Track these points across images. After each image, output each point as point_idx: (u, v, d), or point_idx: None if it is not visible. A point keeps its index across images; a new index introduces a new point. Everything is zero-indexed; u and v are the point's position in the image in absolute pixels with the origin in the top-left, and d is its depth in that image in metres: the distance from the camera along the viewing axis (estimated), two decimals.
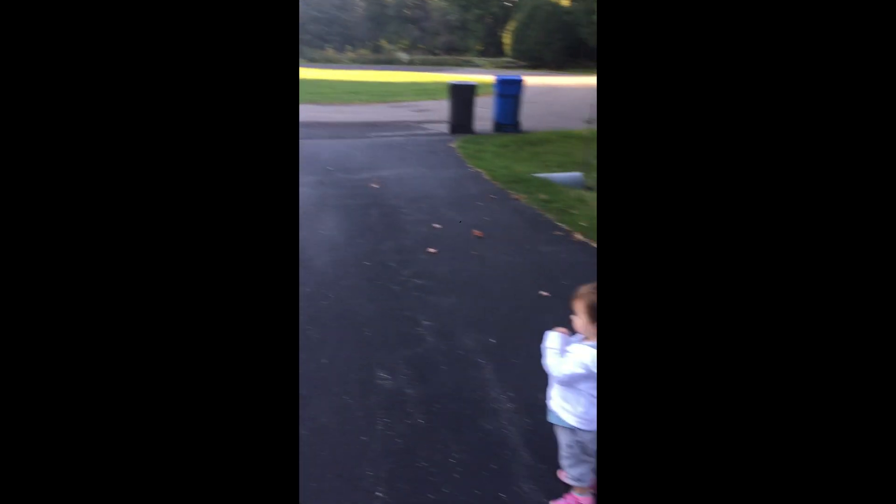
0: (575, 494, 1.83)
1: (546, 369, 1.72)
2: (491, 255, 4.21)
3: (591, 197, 6.03)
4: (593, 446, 1.74)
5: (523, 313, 3.29)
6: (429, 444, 2.18)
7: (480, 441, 2.20)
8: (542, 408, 2.40)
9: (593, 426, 1.69)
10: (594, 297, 1.58)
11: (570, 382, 1.66)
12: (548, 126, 11.10)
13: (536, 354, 2.90)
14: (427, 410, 2.39)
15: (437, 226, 4.87)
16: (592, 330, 1.62)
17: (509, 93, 10.08)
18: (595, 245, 4.48)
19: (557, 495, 1.91)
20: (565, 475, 1.90)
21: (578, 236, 4.66)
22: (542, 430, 2.26)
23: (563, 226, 4.96)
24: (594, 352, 1.58)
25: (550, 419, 1.80)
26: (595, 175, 4.80)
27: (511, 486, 1.97)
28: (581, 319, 1.64)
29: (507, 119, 10.28)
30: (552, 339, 1.76)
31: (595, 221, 4.95)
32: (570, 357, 1.64)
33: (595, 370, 1.57)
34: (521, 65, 34.15)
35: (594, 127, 6.12)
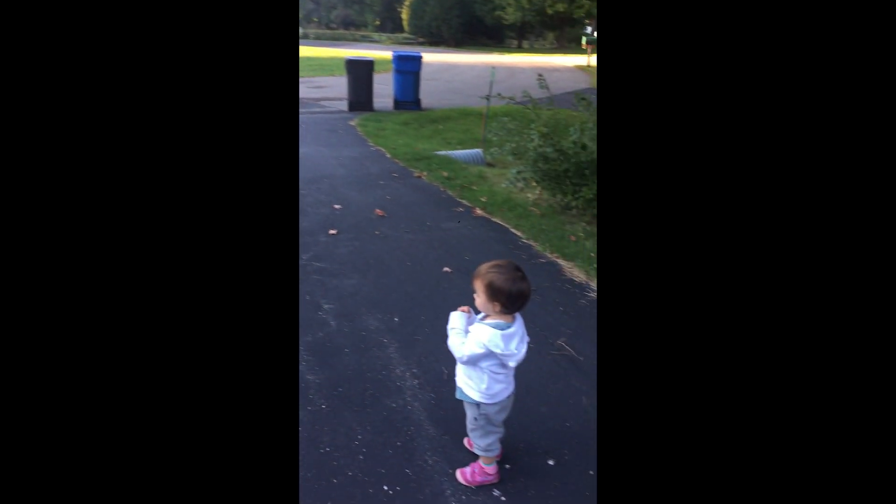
0: (481, 463, 1.88)
1: (451, 349, 1.73)
2: (393, 234, 4.18)
3: (492, 173, 6.16)
4: (499, 417, 1.79)
5: (427, 291, 3.31)
6: (332, 428, 2.14)
7: (384, 420, 2.20)
8: (446, 382, 2.44)
9: (496, 399, 1.73)
10: (492, 276, 1.60)
11: (472, 362, 1.69)
12: (448, 103, 11.15)
13: (441, 330, 2.93)
14: (329, 395, 2.33)
15: (338, 206, 4.74)
16: (491, 308, 1.64)
17: (408, 69, 9.96)
18: (496, 220, 4.59)
19: (463, 465, 1.96)
20: (472, 444, 1.94)
21: (479, 212, 4.75)
22: (447, 404, 2.30)
23: (465, 202, 5.03)
24: (493, 331, 1.61)
25: (458, 395, 1.82)
26: (492, 150, 4.91)
27: (416, 461, 1.99)
28: (480, 298, 1.65)
29: (407, 96, 10.18)
30: (454, 320, 1.76)
31: (496, 197, 5.06)
32: (470, 338, 1.66)
33: (494, 349, 1.60)
34: (420, 41, 33.88)
35: (490, 104, 6.26)
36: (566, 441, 2.12)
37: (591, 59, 22.62)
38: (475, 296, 1.67)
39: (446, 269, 3.59)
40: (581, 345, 2.77)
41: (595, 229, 4.35)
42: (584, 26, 31.79)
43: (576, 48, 33.88)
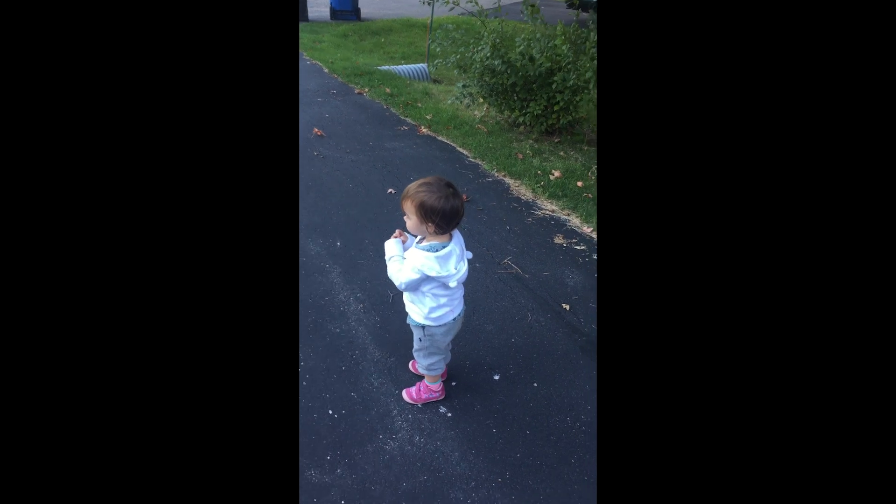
0: (426, 382, 1.88)
1: (391, 278, 1.64)
2: (333, 155, 3.95)
3: (437, 89, 5.88)
4: (444, 340, 1.75)
5: (371, 213, 3.18)
6: None
7: (329, 345, 2.14)
8: (392, 305, 2.40)
9: (441, 321, 1.69)
10: (422, 196, 1.48)
11: (411, 288, 1.62)
12: (390, 13, 10.42)
13: (382, 253, 2.85)
14: None
15: None
16: (425, 229, 1.53)
17: None
18: (442, 139, 4.42)
19: (409, 385, 1.95)
20: (416, 365, 1.92)
21: (425, 130, 4.55)
22: (392, 326, 2.26)
23: (409, 120, 4.80)
24: (426, 254, 1.53)
25: (407, 320, 1.76)
26: (436, 62, 4.63)
27: (362, 384, 1.97)
28: (411, 220, 1.53)
29: (345, 5, 9.42)
30: (390, 249, 1.67)
31: (441, 114, 4.85)
32: (406, 264, 1.58)
33: (430, 272, 1.52)
34: None
35: (433, 10, 5.82)
36: (511, 356, 2.14)
37: None
38: (406, 218, 1.57)
39: (391, 190, 3.46)
40: (526, 262, 2.76)
41: (543, 147, 4.27)
42: None
43: None
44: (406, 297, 1.71)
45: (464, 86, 4.52)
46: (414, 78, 6.52)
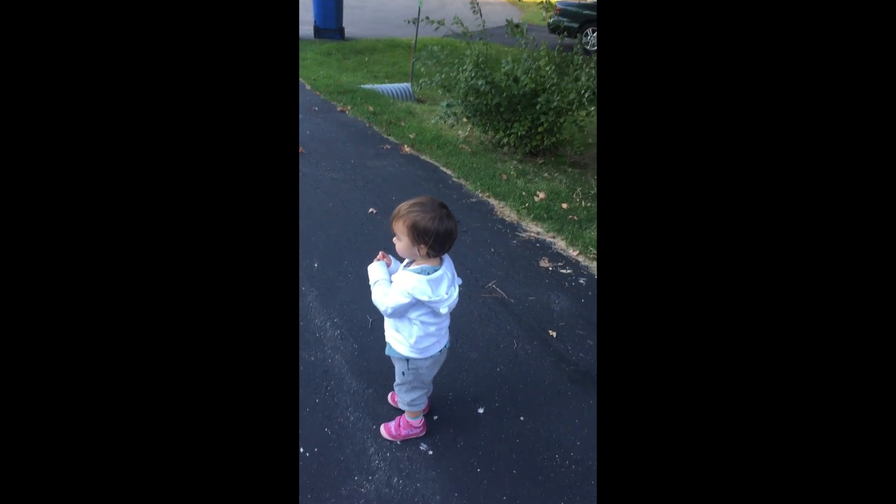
0: (406, 417, 1.75)
1: (376, 304, 1.53)
2: (314, 173, 3.84)
3: (421, 109, 5.84)
4: (429, 374, 1.64)
5: (350, 233, 3.07)
6: None
7: (302, 375, 2.00)
8: (371, 331, 2.27)
9: (428, 353, 1.57)
10: (415, 216, 1.38)
11: (398, 314, 1.50)
12: (374, 33, 10.43)
13: (364, 275, 2.73)
14: None
15: None
16: (416, 251, 1.42)
17: None
18: (425, 158, 4.35)
19: (388, 419, 1.82)
20: (397, 399, 1.80)
21: (407, 149, 4.47)
22: (371, 354, 2.13)
23: (392, 139, 4.72)
24: (418, 276, 1.42)
25: (386, 352, 1.63)
26: (421, 81, 4.58)
27: (336, 418, 1.83)
28: (402, 241, 1.42)
29: (329, 23, 9.40)
30: (374, 273, 1.55)
31: (425, 134, 4.79)
32: (394, 287, 1.46)
33: (421, 296, 1.41)
34: None
35: (418, 29, 5.78)
36: (496, 387, 2.03)
37: None
38: (395, 240, 1.46)
39: (371, 210, 3.35)
40: (512, 287, 2.67)
41: (527, 167, 4.22)
42: None
43: None
44: (389, 326, 1.58)
45: (448, 105, 4.46)
46: (397, 97, 6.47)
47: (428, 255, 1.44)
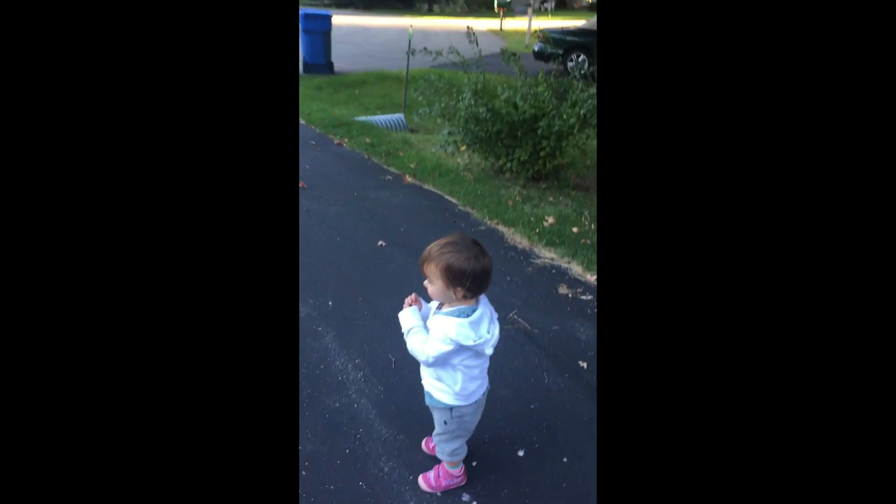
0: (447, 468, 1.64)
1: (413, 354, 1.43)
2: (318, 208, 3.77)
3: (416, 139, 5.82)
4: (473, 420, 1.53)
5: (362, 269, 2.97)
6: None
7: (328, 423, 1.89)
8: (396, 371, 2.16)
9: (472, 399, 1.47)
10: (448, 258, 1.30)
11: (441, 362, 1.40)
12: (362, 67, 10.53)
13: (382, 311, 2.64)
14: None
15: None
16: (452, 294, 1.33)
17: (317, 29, 9.23)
18: (428, 187, 4.30)
19: (424, 468, 1.71)
20: (433, 447, 1.69)
21: (409, 179, 4.42)
22: (397, 397, 2.03)
23: (392, 169, 4.67)
24: (458, 320, 1.33)
25: (427, 402, 1.53)
26: (421, 111, 4.57)
27: (370, 470, 1.71)
28: (435, 285, 1.34)
29: (318, 58, 9.47)
30: (407, 320, 1.45)
31: (425, 163, 4.75)
32: (432, 334, 1.37)
33: (465, 341, 1.32)
34: (326, 3, 32.09)
35: (410, 61, 5.79)
36: (533, 426, 1.93)
37: (505, 23, 22.45)
38: (427, 283, 1.37)
39: (381, 242, 3.27)
40: (533, 316, 2.58)
41: (531, 193, 4.18)
42: None
43: (486, 12, 33.58)
44: (429, 375, 1.48)
45: (449, 133, 4.43)
46: (391, 128, 6.47)
47: (464, 297, 1.35)
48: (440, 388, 1.45)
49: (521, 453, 1.81)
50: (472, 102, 4.13)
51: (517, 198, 4.03)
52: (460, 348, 1.34)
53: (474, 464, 1.75)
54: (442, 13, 38.01)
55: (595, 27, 10.35)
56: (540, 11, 27.93)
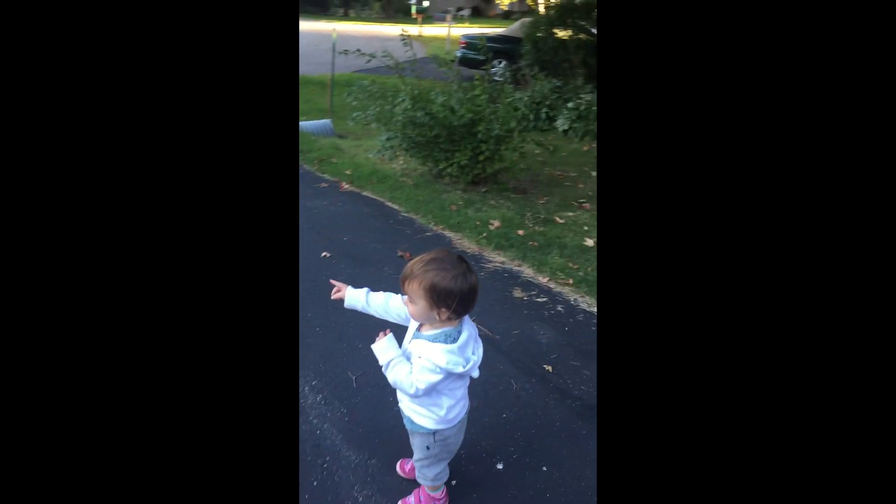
0: (427, 492, 1.53)
1: (396, 387, 1.31)
2: None
3: (347, 144, 5.65)
4: (457, 440, 1.44)
5: (307, 282, 2.79)
6: None
7: None
8: (358, 390, 2.03)
9: (457, 419, 1.38)
10: (433, 277, 1.19)
11: (431, 391, 1.29)
12: None
13: (335, 326, 2.48)
14: None
15: None
16: (436, 315, 1.22)
17: None
18: (367, 194, 4.15)
19: (402, 493, 1.59)
20: (409, 469, 1.58)
21: (347, 186, 4.26)
22: (361, 416, 1.89)
23: (327, 176, 4.49)
24: (445, 347, 1.23)
25: (408, 426, 1.41)
26: (355, 115, 4.41)
27: (344, 502, 1.57)
28: (418, 305, 1.22)
29: None
30: (384, 352, 1.30)
31: (361, 169, 4.60)
32: (417, 364, 1.25)
33: (456, 368, 1.22)
34: None
35: (335, 64, 5.60)
36: (509, 437, 1.87)
37: (423, 29, 22.58)
38: (407, 302, 1.27)
39: (325, 254, 3.10)
40: (492, 321, 2.53)
41: (472, 197, 4.16)
42: None
43: (403, 18, 33.67)
44: (408, 400, 1.37)
45: (388, 138, 4.32)
46: (319, 134, 6.24)
47: (449, 319, 1.25)
48: (422, 413, 1.35)
49: (500, 466, 1.74)
50: (410, 106, 4.04)
51: (459, 202, 3.99)
52: (448, 376, 1.24)
53: (454, 482, 1.66)
54: (358, 18, 37.65)
55: (515, 34, 10.59)
56: (456, 18, 28.39)
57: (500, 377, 2.17)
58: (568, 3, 8.07)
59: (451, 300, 1.20)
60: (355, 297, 1.43)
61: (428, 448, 1.40)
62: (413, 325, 1.36)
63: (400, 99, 4.12)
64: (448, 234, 3.51)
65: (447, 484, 1.63)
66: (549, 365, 2.25)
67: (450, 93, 4.29)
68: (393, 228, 3.54)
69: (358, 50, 4.09)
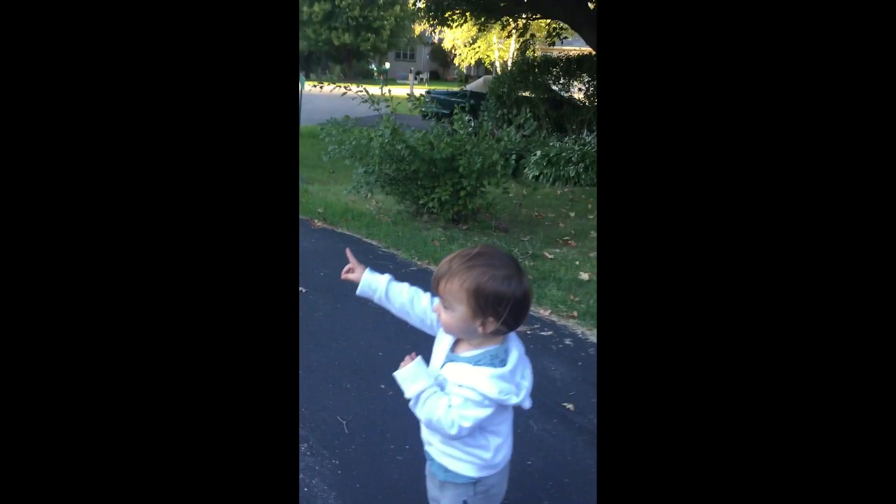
0: None
1: (429, 427, 1.01)
2: None
3: (315, 189, 5.41)
4: (501, 486, 1.12)
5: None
6: None
7: None
8: (349, 436, 1.69)
9: (502, 464, 1.07)
10: (479, 277, 0.93)
11: (475, 430, 0.99)
12: None
13: (316, 366, 2.13)
14: None
15: None
16: (476, 327, 0.95)
17: None
18: (342, 231, 3.88)
19: None
20: None
21: (319, 223, 3.98)
22: (357, 468, 1.55)
23: (300, 216, 4.19)
24: (494, 371, 0.95)
25: (442, 477, 1.09)
26: (330, 150, 4.20)
27: None
28: (456, 312, 0.96)
29: None
30: (412, 379, 0.99)
31: (332, 207, 4.35)
32: (461, 394, 0.95)
33: (508, 398, 0.95)
34: None
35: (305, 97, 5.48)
36: (538, 485, 1.56)
37: (385, 89, 23.16)
38: (439, 308, 1.00)
39: (302, 289, 2.78)
40: None
41: (454, 234, 3.95)
42: (368, 60, 32.65)
43: (363, 81, 34.70)
44: (440, 441, 1.05)
45: (365, 172, 4.10)
46: None
47: (493, 334, 0.98)
48: (461, 458, 1.03)
49: None
50: (390, 139, 3.87)
51: (442, 238, 3.77)
52: (497, 408, 0.96)
53: None
54: (318, 81, 38.55)
55: (480, 89, 10.87)
56: (416, 81, 29.40)
57: (517, 418, 1.85)
58: (526, 63, 8.46)
59: (502, 307, 0.92)
60: (373, 284, 1.14)
61: (465, 503, 1.08)
62: (443, 343, 1.07)
63: (378, 133, 3.95)
64: (434, 268, 3.26)
65: None
66: (569, 403, 1.97)
67: (426, 133, 4.17)
68: (373, 263, 3.22)
69: (342, 70, 3.94)
